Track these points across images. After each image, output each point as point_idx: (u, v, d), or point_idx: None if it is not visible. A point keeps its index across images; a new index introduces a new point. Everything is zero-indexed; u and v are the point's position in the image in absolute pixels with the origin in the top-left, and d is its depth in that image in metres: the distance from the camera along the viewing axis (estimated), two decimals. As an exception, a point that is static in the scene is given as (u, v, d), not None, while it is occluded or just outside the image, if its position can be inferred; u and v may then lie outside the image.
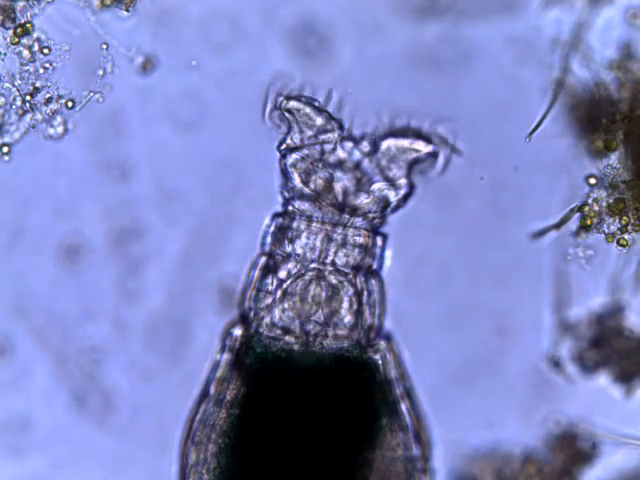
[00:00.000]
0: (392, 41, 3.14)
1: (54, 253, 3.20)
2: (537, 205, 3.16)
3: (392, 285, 3.14)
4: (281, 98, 3.10)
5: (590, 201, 3.12)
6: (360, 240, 3.08)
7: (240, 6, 3.15)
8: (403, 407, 3.10)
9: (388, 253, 3.12)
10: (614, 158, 3.11)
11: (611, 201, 3.11)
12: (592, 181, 3.12)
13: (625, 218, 3.10)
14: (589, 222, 3.11)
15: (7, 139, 3.14)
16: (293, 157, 3.07)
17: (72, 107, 3.14)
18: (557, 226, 3.14)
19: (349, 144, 3.07)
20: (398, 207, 3.11)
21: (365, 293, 3.08)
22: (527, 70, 3.14)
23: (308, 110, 3.08)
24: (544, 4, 3.12)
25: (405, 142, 3.07)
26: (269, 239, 3.11)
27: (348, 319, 3.07)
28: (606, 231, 3.11)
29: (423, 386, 3.14)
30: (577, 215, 3.13)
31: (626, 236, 3.11)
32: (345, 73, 3.14)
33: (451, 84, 3.15)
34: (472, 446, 3.17)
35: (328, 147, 3.06)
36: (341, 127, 3.09)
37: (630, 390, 3.18)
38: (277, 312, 3.07)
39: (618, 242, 3.11)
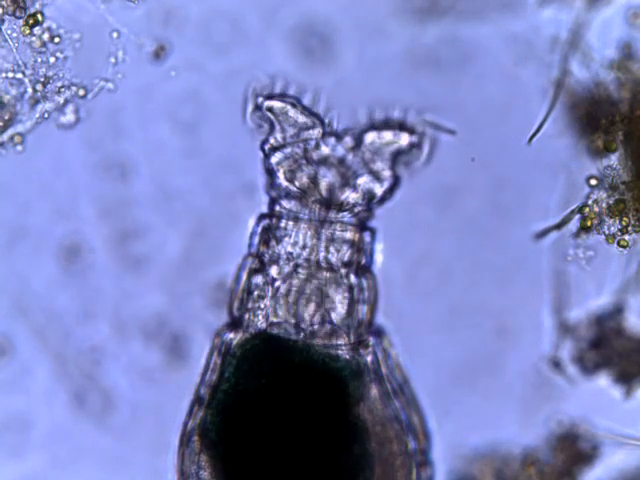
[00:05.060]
0: (393, 41, 3.14)
1: (54, 253, 3.20)
2: (537, 205, 3.16)
3: (392, 285, 3.14)
4: (260, 98, 3.11)
5: (590, 202, 3.12)
6: (348, 235, 3.08)
7: (241, 6, 3.15)
8: (396, 402, 3.10)
9: (378, 247, 3.12)
10: (614, 159, 3.11)
11: (611, 202, 3.11)
12: (593, 182, 3.12)
13: (625, 219, 3.10)
14: (589, 223, 3.11)
15: (20, 128, 3.14)
16: (277, 156, 3.08)
17: (84, 96, 3.14)
18: (558, 227, 3.14)
19: (332, 140, 3.08)
20: (384, 199, 3.11)
21: (356, 289, 3.08)
22: (527, 70, 3.14)
23: (288, 108, 3.08)
24: (539, 3, 3.12)
25: (387, 134, 3.08)
26: (256, 240, 3.11)
27: (339, 315, 3.07)
28: (606, 232, 3.11)
29: (423, 386, 3.14)
30: (577, 216, 3.13)
31: (626, 237, 3.11)
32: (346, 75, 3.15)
33: (451, 84, 3.15)
34: (472, 446, 3.17)
35: (311, 144, 3.06)
36: (322, 123, 3.09)
37: (630, 390, 3.18)
38: (269, 312, 3.08)
39: (618, 243, 3.11)
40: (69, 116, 3.14)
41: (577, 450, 3.18)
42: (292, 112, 3.07)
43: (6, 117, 3.12)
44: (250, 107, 3.11)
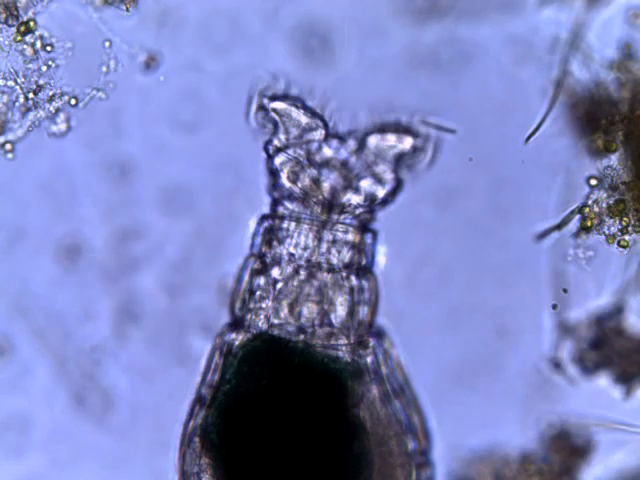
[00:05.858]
0: (393, 42, 3.14)
1: (54, 253, 3.20)
2: (537, 205, 3.16)
3: (392, 285, 3.14)
4: (265, 99, 3.11)
5: (590, 202, 3.12)
6: (350, 237, 3.08)
7: (241, 6, 3.15)
8: (397, 403, 3.10)
9: (380, 250, 3.13)
10: (614, 159, 3.11)
11: (611, 202, 3.11)
12: (593, 182, 3.12)
13: (625, 219, 3.10)
14: (589, 223, 3.11)
15: (10, 137, 3.14)
16: (281, 157, 3.08)
17: (75, 104, 3.14)
18: (558, 227, 3.14)
19: (335, 142, 3.08)
20: (387, 202, 3.11)
21: (357, 290, 3.09)
22: (527, 70, 3.14)
23: (292, 110, 3.08)
24: (539, 3, 3.12)
25: (391, 137, 3.08)
26: (258, 240, 3.11)
27: (340, 317, 3.07)
28: (606, 232, 3.11)
29: (423, 387, 3.14)
30: (577, 216, 3.13)
31: (626, 237, 3.11)
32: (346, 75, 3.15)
33: (451, 84, 3.15)
34: (471, 447, 3.17)
35: (314, 146, 3.07)
36: (326, 125, 3.09)
37: (630, 390, 3.18)
38: (271, 312, 3.08)
39: (619, 243, 3.11)
40: (60, 125, 3.14)
41: (571, 447, 3.18)
42: (296, 113, 3.07)
43: (-3, 125, 3.13)
44: (254, 108, 3.11)
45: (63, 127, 3.15)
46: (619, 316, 3.17)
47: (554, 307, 3.12)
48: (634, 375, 3.18)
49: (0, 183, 3.21)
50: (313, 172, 3.06)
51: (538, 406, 3.17)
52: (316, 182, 3.05)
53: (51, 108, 3.13)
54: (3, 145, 3.15)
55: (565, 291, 3.12)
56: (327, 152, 3.06)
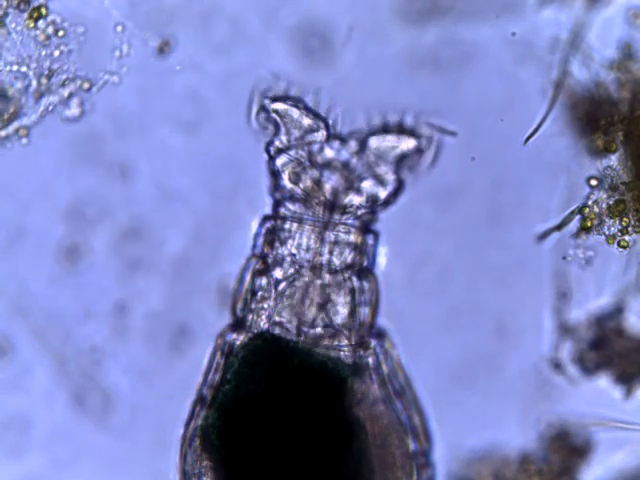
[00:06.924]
0: (393, 42, 3.14)
1: (54, 253, 3.19)
2: (537, 206, 3.16)
3: (392, 285, 3.14)
4: (266, 100, 3.11)
5: (590, 203, 3.12)
6: (351, 238, 3.08)
7: (241, 6, 3.15)
8: (398, 403, 3.10)
9: (382, 251, 3.13)
10: (614, 159, 3.11)
11: (611, 203, 3.11)
12: (593, 182, 3.12)
13: (625, 220, 3.10)
14: (589, 224, 3.11)
15: (25, 122, 3.14)
16: (282, 158, 3.08)
17: (89, 89, 3.14)
18: (558, 228, 3.14)
19: (336, 143, 3.08)
20: (388, 203, 3.11)
21: (358, 291, 3.09)
22: (527, 70, 3.14)
23: (294, 111, 3.08)
24: (539, 3, 3.12)
25: (392, 138, 3.08)
26: (260, 241, 3.11)
27: (341, 317, 3.07)
28: (606, 233, 3.11)
29: (423, 387, 3.14)
30: (577, 217, 3.13)
31: (626, 237, 3.11)
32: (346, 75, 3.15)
33: (451, 84, 3.15)
34: (471, 447, 3.17)
35: (315, 147, 3.07)
36: (327, 126, 3.09)
37: (630, 391, 3.18)
38: (272, 312, 3.08)
39: (619, 244, 3.12)
40: (74, 109, 3.14)
41: (571, 447, 3.18)
42: (298, 114, 3.07)
43: (11, 110, 3.12)
44: (256, 109, 3.11)
45: (76, 112, 3.15)
46: (619, 316, 3.17)
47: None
48: (634, 375, 3.18)
49: (0, 183, 3.21)
50: (314, 173, 3.06)
51: (538, 406, 3.18)
52: (318, 183, 3.05)
53: (64, 93, 3.13)
54: (17, 130, 3.14)
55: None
56: (328, 153, 3.07)
